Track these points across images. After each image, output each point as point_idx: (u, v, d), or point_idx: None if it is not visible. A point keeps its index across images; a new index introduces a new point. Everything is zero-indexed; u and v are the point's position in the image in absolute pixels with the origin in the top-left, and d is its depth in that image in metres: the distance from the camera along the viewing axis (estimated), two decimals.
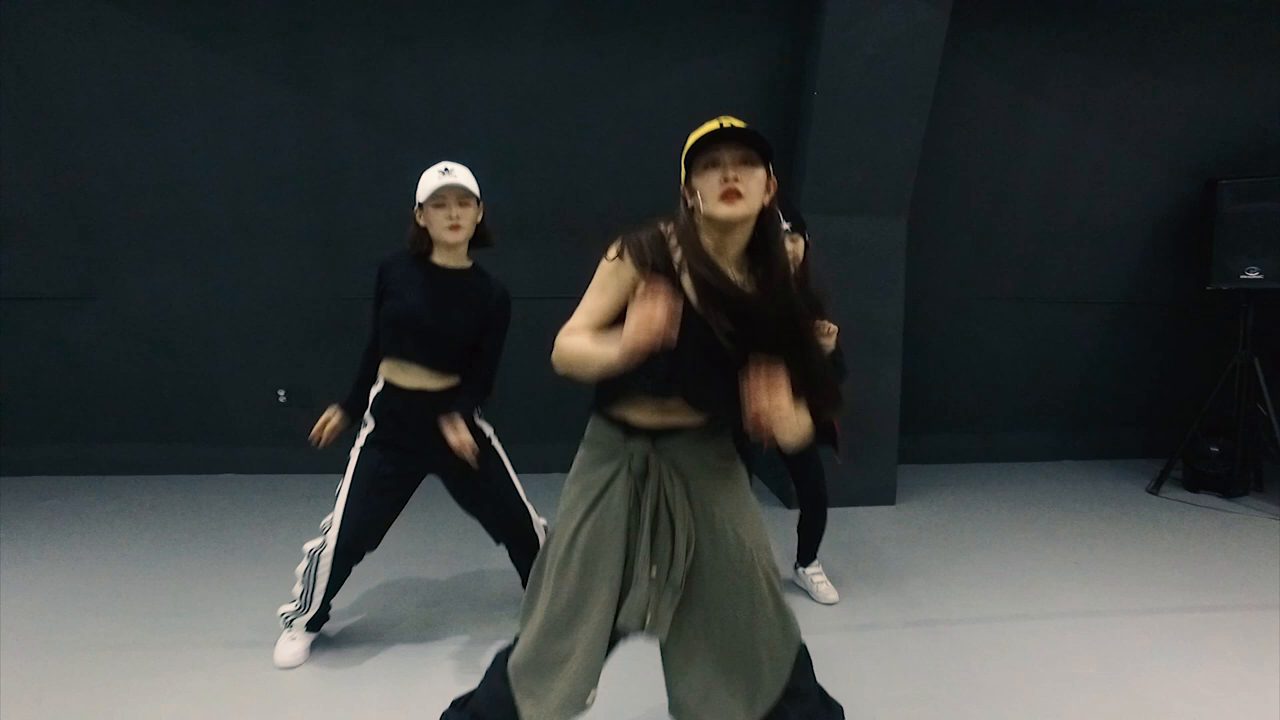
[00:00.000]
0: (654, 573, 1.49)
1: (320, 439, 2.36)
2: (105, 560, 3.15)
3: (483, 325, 2.32)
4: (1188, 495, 4.30)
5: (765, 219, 1.47)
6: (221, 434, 4.39)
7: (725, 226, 1.43)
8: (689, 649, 1.55)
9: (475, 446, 2.24)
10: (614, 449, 1.53)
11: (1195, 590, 3.02)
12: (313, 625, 2.39)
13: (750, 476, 1.87)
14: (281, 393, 4.32)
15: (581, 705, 1.52)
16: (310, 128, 3.88)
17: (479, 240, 2.35)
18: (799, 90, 3.78)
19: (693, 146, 1.43)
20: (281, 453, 4.36)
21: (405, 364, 2.29)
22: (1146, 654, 2.50)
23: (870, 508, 3.99)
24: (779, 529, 3.36)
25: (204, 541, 3.39)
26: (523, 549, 2.47)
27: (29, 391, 4.24)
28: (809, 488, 2.80)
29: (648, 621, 1.49)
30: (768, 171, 1.45)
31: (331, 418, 2.37)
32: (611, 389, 1.49)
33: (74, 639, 2.48)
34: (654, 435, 1.50)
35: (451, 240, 2.24)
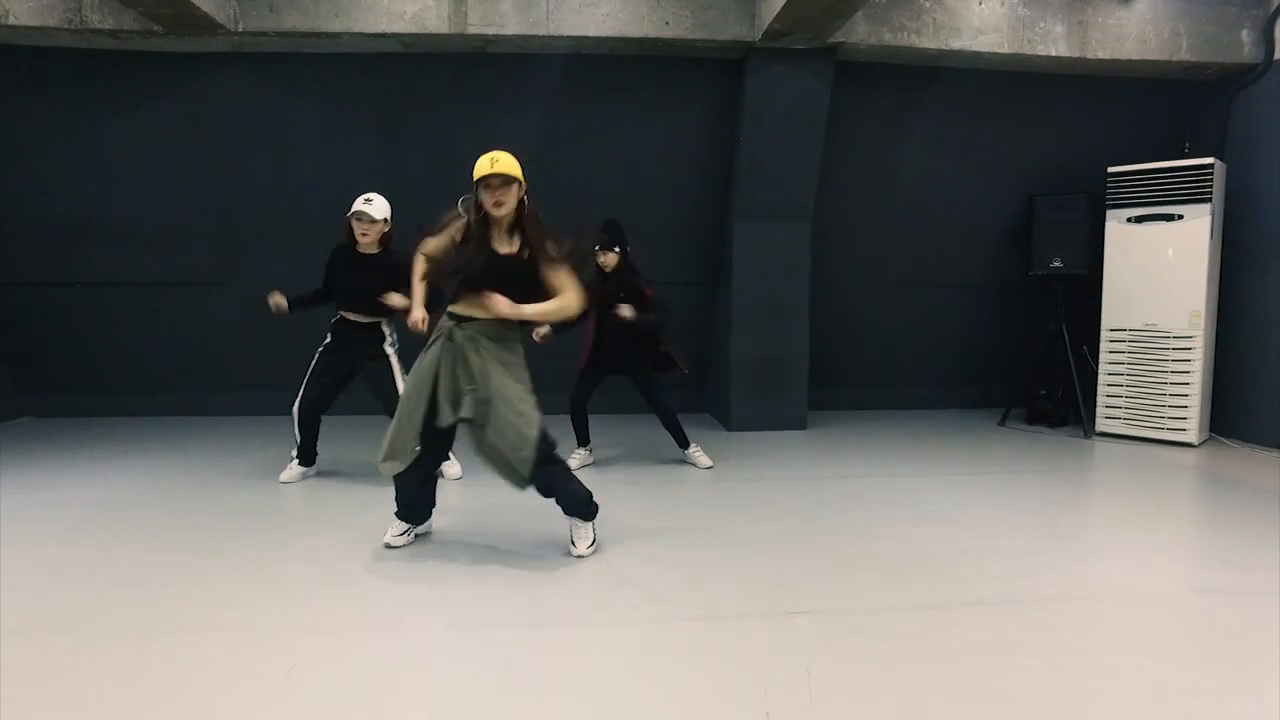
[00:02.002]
0: (465, 386, 2.82)
1: (273, 303, 3.96)
2: (253, 459, 4.74)
3: (387, 280, 3.80)
4: (1026, 427, 5.88)
5: (520, 210, 2.88)
6: None
7: (495, 216, 2.84)
8: (483, 429, 2.84)
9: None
10: (443, 327, 2.90)
11: (1008, 465, 4.61)
12: (304, 461, 4.15)
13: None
14: None
15: (411, 452, 2.87)
16: (390, 160, 5.48)
17: (385, 240, 3.93)
18: (733, 136, 5.38)
19: (478, 179, 2.81)
20: (348, 400, 5.87)
21: (346, 308, 4.00)
22: (962, 496, 3.97)
23: (787, 431, 5.55)
24: (719, 446, 4.93)
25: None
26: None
27: (173, 353, 5.78)
28: (658, 406, 4.37)
29: (463, 410, 2.79)
30: (519, 185, 2.84)
31: (280, 301, 3.98)
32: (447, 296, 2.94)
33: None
34: (460, 320, 2.87)
35: (360, 242, 3.90)
